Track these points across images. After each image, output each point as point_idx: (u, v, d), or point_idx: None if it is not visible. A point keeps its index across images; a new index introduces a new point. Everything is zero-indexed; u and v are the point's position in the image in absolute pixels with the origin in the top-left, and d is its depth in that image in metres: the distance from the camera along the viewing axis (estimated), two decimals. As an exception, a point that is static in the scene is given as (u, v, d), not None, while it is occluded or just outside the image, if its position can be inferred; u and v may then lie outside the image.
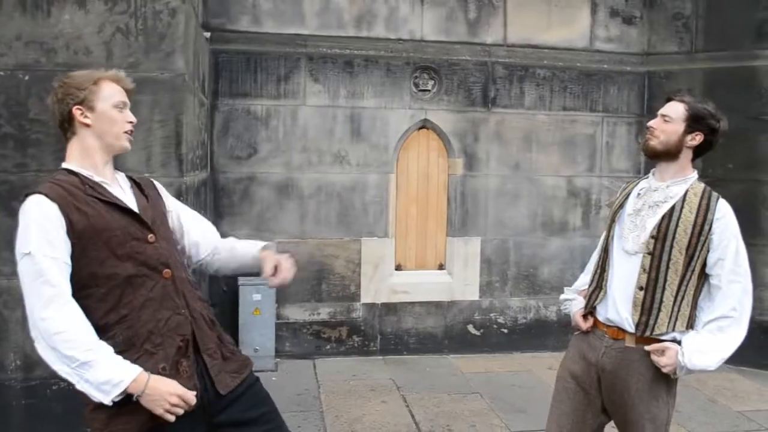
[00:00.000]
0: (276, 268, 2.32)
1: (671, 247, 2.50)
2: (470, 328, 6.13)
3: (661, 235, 2.51)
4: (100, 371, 1.92)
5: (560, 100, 6.15)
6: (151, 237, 2.15)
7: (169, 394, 1.98)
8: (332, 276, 5.87)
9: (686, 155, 2.60)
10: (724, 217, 2.52)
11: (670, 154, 2.59)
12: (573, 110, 6.19)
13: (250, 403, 2.29)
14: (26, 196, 2.05)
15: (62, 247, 1.99)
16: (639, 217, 2.61)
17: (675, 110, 2.60)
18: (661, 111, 2.63)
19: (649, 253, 2.53)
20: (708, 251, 2.52)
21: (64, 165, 2.16)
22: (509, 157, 6.10)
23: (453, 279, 6.09)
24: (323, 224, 5.83)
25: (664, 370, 2.48)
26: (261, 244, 2.48)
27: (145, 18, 3.70)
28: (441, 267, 6.08)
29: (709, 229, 2.50)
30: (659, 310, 2.51)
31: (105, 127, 2.14)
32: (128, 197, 2.21)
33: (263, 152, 5.70)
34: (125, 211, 2.12)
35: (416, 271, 6.10)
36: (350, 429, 4.38)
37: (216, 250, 2.49)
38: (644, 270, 2.54)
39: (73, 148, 2.16)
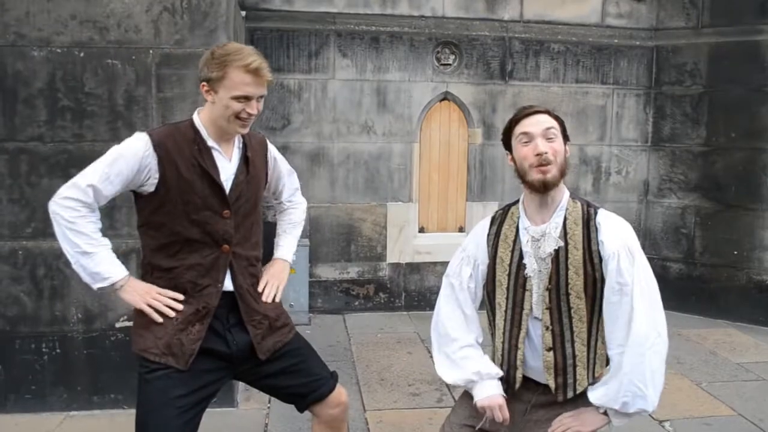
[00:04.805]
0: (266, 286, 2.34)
1: (567, 294, 2.03)
2: (487, 285, 6.11)
3: (554, 285, 2.04)
4: (96, 263, 2.06)
5: (573, 73, 6.05)
6: (226, 213, 2.15)
7: (145, 291, 2.11)
8: (360, 238, 5.88)
9: None
10: (608, 232, 2.02)
11: (558, 182, 2.05)
12: (585, 83, 6.09)
13: (285, 358, 2.33)
14: (145, 131, 2.13)
15: (123, 180, 2.07)
16: (540, 275, 2.07)
17: (551, 122, 2.05)
18: (540, 127, 2.02)
19: (547, 308, 2.05)
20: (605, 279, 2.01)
21: (196, 113, 2.19)
22: (525, 127, 6.01)
23: (471, 241, 6.05)
24: (352, 190, 5.82)
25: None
26: (283, 250, 2.54)
27: (189, -3, 3.67)
28: (461, 229, 6.06)
29: (600, 259, 2.01)
30: (575, 366, 2.07)
31: (220, 111, 2.09)
32: (231, 168, 2.19)
33: (296, 123, 5.68)
34: (215, 183, 2.13)
35: (438, 233, 6.08)
36: (380, 377, 4.43)
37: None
38: (547, 328, 2.06)
39: (206, 107, 2.16)
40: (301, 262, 5.45)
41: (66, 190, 2.05)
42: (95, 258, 2.06)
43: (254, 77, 2.06)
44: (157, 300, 2.11)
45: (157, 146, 2.07)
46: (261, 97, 2.12)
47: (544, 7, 5.97)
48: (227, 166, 2.18)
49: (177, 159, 2.09)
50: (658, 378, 1.97)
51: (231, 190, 2.17)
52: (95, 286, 2.10)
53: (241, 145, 2.25)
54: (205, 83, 2.09)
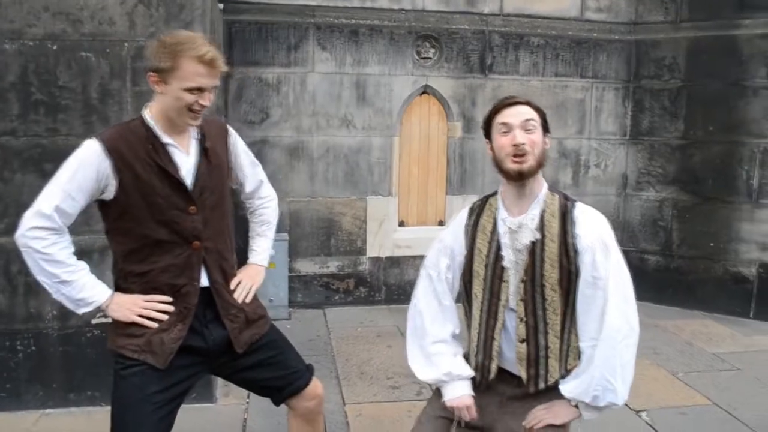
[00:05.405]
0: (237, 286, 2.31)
1: (542, 286, 2.04)
2: (467, 279, 6.13)
3: (529, 276, 2.05)
4: (78, 290, 2.04)
5: (553, 66, 6.08)
6: (192, 209, 2.11)
7: (132, 303, 2.08)
8: (340, 232, 5.88)
9: None
10: (584, 225, 2.04)
11: (534, 172, 2.06)
12: (564, 76, 6.12)
13: (262, 351, 2.32)
14: (95, 137, 2.05)
15: (85, 194, 2.02)
16: (516, 266, 2.09)
17: (531, 113, 2.06)
18: (519, 119, 2.03)
19: (522, 299, 2.06)
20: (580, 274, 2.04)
21: (145, 109, 2.11)
22: (504, 120, 6.03)
23: (452, 234, 6.07)
24: (331, 184, 5.81)
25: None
26: (258, 256, 2.52)
27: (165, -11, 3.63)
28: (441, 223, 6.07)
29: (575, 252, 2.03)
30: (547, 357, 2.09)
31: (171, 102, 2.02)
32: (190, 161, 2.13)
33: (275, 117, 5.65)
34: (175, 180, 2.08)
35: (418, 227, 6.09)
36: (359, 371, 4.43)
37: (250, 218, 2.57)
38: (521, 319, 2.08)
39: (156, 100, 2.09)
40: (280, 257, 5.44)
41: (30, 220, 1.99)
42: (76, 285, 2.03)
43: (208, 68, 1.99)
44: (146, 308, 2.08)
45: (110, 151, 2.01)
46: (214, 87, 2.06)
47: (524, 0, 5.98)
48: (186, 161, 2.12)
49: (132, 161, 2.03)
50: (629, 372, 2.00)
51: (193, 184, 2.12)
52: (80, 311, 2.07)
53: (198, 136, 2.18)
54: (153, 74, 2.01)
